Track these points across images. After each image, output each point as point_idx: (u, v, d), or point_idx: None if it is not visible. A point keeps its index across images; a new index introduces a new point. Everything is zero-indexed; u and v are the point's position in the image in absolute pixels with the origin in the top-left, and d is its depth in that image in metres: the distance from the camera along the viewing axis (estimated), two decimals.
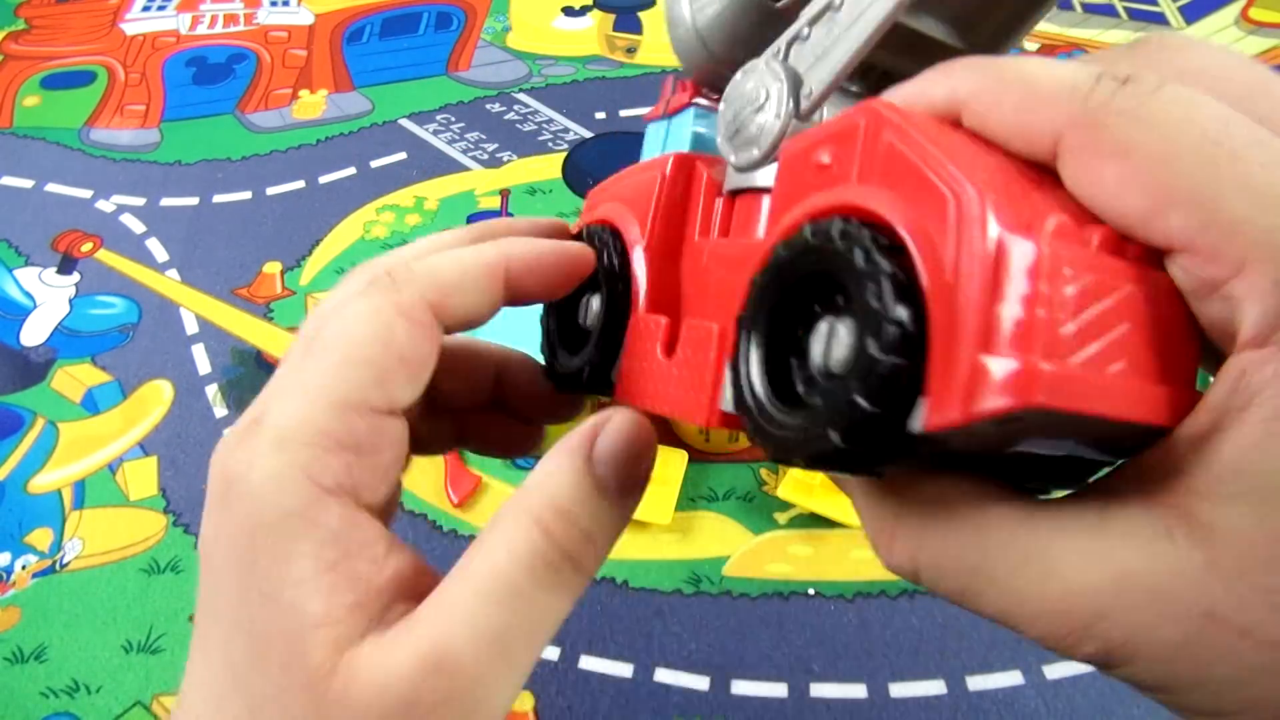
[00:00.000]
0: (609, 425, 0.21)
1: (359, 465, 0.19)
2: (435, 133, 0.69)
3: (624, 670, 0.43)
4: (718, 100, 0.23)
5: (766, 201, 0.21)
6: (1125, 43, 0.17)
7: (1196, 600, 0.13)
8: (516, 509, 0.20)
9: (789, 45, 0.21)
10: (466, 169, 0.66)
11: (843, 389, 0.15)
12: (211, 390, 0.55)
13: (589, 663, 0.43)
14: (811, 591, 0.45)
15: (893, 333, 0.14)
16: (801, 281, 0.17)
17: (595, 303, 0.25)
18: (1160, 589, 0.14)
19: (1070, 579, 0.15)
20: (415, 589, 0.19)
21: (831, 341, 0.16)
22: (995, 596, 0.16)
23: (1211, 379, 0.14)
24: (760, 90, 0.21)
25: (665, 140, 0.27)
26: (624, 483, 0.20)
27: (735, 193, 0.23)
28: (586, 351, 0.25)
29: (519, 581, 0.19)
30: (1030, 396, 0.13)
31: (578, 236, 0.26)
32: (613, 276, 0.24)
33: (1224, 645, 0.13)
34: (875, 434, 0.15)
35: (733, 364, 0.19)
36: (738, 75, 0.22)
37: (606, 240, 0.24)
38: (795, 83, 0.20)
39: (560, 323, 0.26)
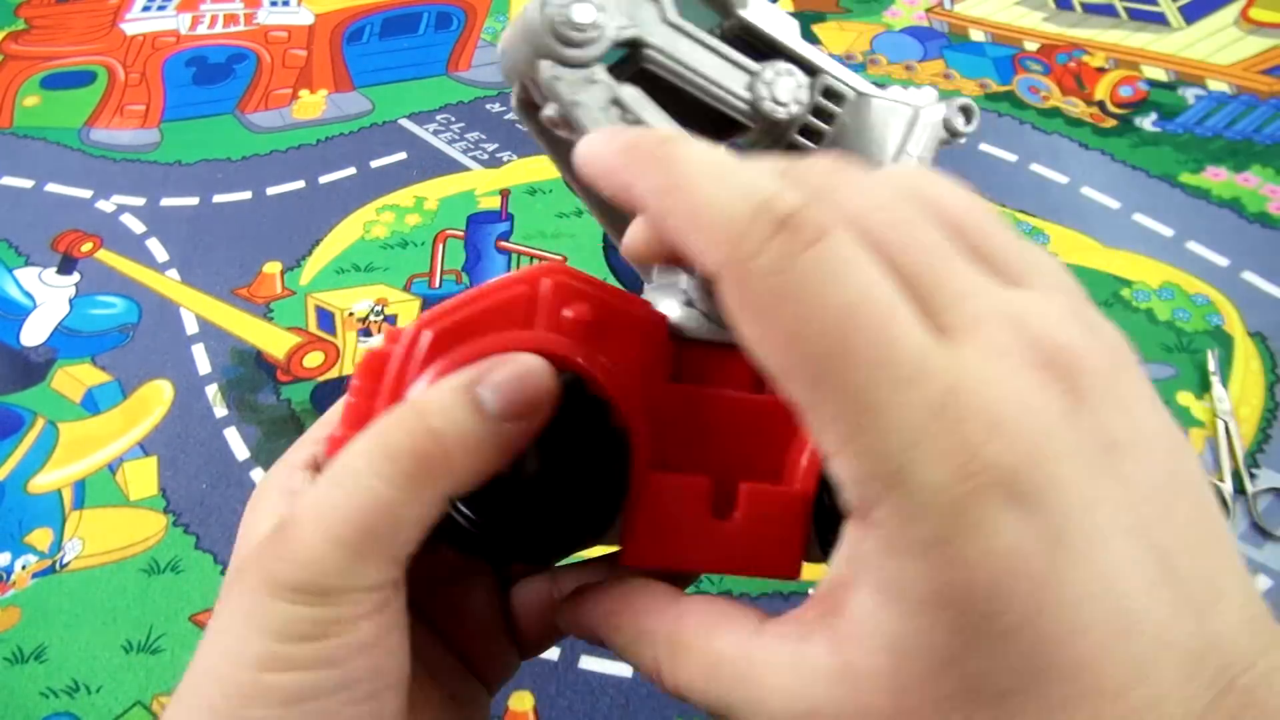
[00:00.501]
0: (506, 362, 0.20)
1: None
2: (435, 133, 0.69)
3: (624, 670, 0.43)
4: None
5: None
6: (824, 157, 0.18)
7: None
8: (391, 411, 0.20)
9: None
10: (466, 169, 0.66)
11: None
12: (211, 390, 0.55)
13: (589, 663, 0.43)
14: (811, 591, 0.45)
15: None
16: None
17: (536, 456, 0.21)
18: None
19: (778, 712, 0.17)
20: None
21: None
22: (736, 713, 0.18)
23: None
24: None
25: None
26: (502, 406, 0.20)
27: (705, 342, 0.23)
28: (555, 516, 0.22)
29: (360, 466, 0.19)
30: None
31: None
32: (603, 431, 0.22)
33: None
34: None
35: (817, 522, 0.22)
36: None
37: (587, 393, 0.21)
38: None
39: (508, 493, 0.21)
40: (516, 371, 0.20)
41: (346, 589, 0.19)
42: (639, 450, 0.22)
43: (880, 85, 0.27)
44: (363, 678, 0.19)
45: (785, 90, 0.25)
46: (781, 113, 0.25)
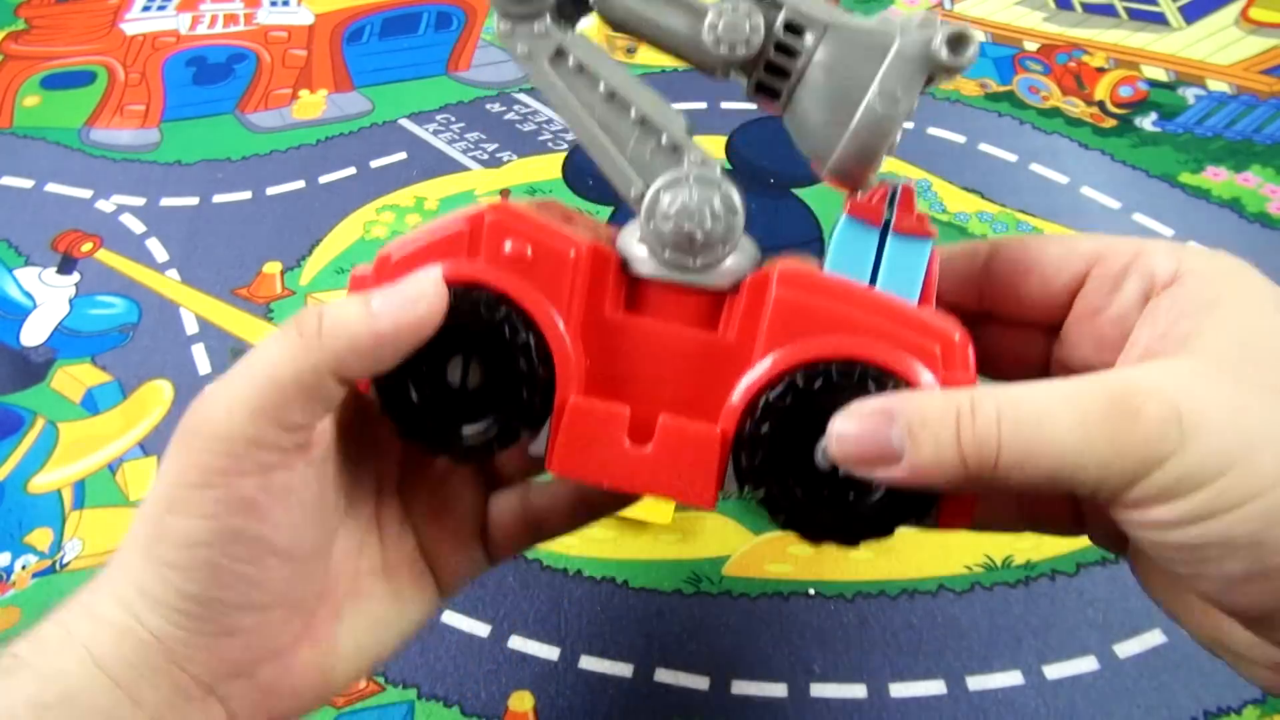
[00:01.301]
0: (407, 280, 0.25)
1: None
2: (435, 133, 0.69)
3: (624, 670, 0.43)
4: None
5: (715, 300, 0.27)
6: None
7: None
8: None
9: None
10: (466, 169, 0.66)
11: (847, 487, 0.25)
12: None
13: (589, 663, 0.43)
14: (811, 591, 0.45)
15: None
16: (818, 411, 0.24)
17: (478, 368, 0.26)
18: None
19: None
20: None
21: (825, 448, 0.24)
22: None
23: None
24: (705, 208, 0.26)
25: (880, 258, 0.27)
26: (381, 307, 0.24)
27: (654, 279, 0.27)
28: (485, 423, 0.26)
29: (266, 345, 0.25)
30: None
31: (465, 305, 0.25)
32: (527, 352, 0.25)
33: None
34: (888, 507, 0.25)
35: (742, 464, 0.26)
36: (660, 188, 0.26)
37: (504, 314, 0.25)
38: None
39: (412, 375, 0.26)
40: (404, 287, 0.24)
41: (234, 439, 0.23)
42: (563, 372, 0.26)
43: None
44: (244, 537, 0.23)
45: (733, 29, 0.24)
46: (728, 52, 0.24)
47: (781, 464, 0.25)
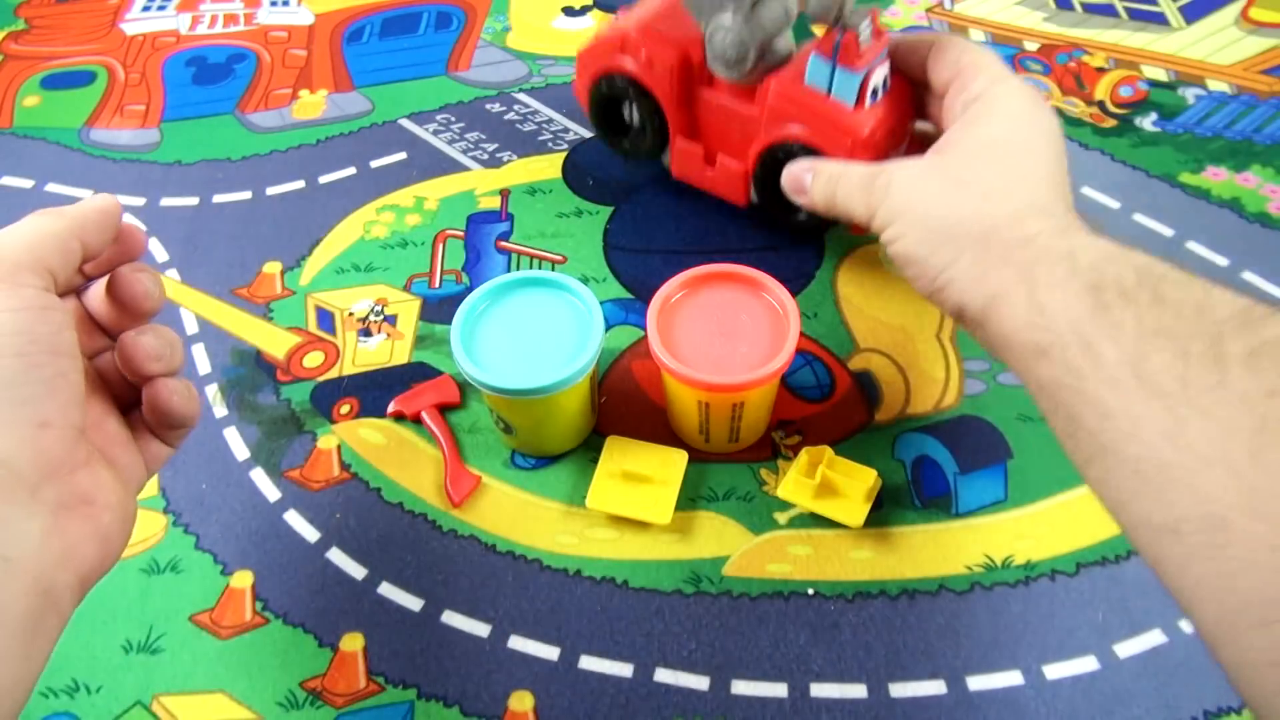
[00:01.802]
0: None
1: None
2: (435, 133, 0.69)
3: (624, 670, 0.43)
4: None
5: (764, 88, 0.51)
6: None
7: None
8: None
9: None
10: (466, 169, 0.66)
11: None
12: (211, 390, 0.55)
13: (589, 663, 0.43)
14: (811, 591, 0.45)
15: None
16: (784, 162, 0.50)
17: (636, 117, 0.58)
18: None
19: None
20: None
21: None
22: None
23: None
24: (727, 49, 0.51)
25: (832, 79, 0.48)
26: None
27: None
28: (643, 141, 0.59)
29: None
30: None
31: (607, 78, 0.56)
32: (650, 113, 0.56)
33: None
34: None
35: (753, 184, 0.55)
36: (710, 31, 0.51)
37: (632, 86, 0.55)
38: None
39: (609, 119, 0.59)
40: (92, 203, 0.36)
41: (19, 261, 0.32)
42: (670, 119, 0.56)
43: None
44: (43, 332, 0.30)
45: None
46: None
47: (768, 186, 0.53)
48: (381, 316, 0.58)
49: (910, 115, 0.51)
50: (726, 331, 0.45)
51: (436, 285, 0.59)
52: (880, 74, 0.48)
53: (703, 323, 0.46)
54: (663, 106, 0.55)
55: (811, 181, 0.45)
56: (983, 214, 0.36)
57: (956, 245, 0.36)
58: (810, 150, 0.49)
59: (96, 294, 0.36)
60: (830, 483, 0.46)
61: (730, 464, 0.50)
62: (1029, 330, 0.33)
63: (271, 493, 0.50)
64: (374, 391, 0.54)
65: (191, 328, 0.58)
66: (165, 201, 0.66)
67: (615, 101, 0.57)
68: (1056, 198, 0.38)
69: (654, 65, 0.53)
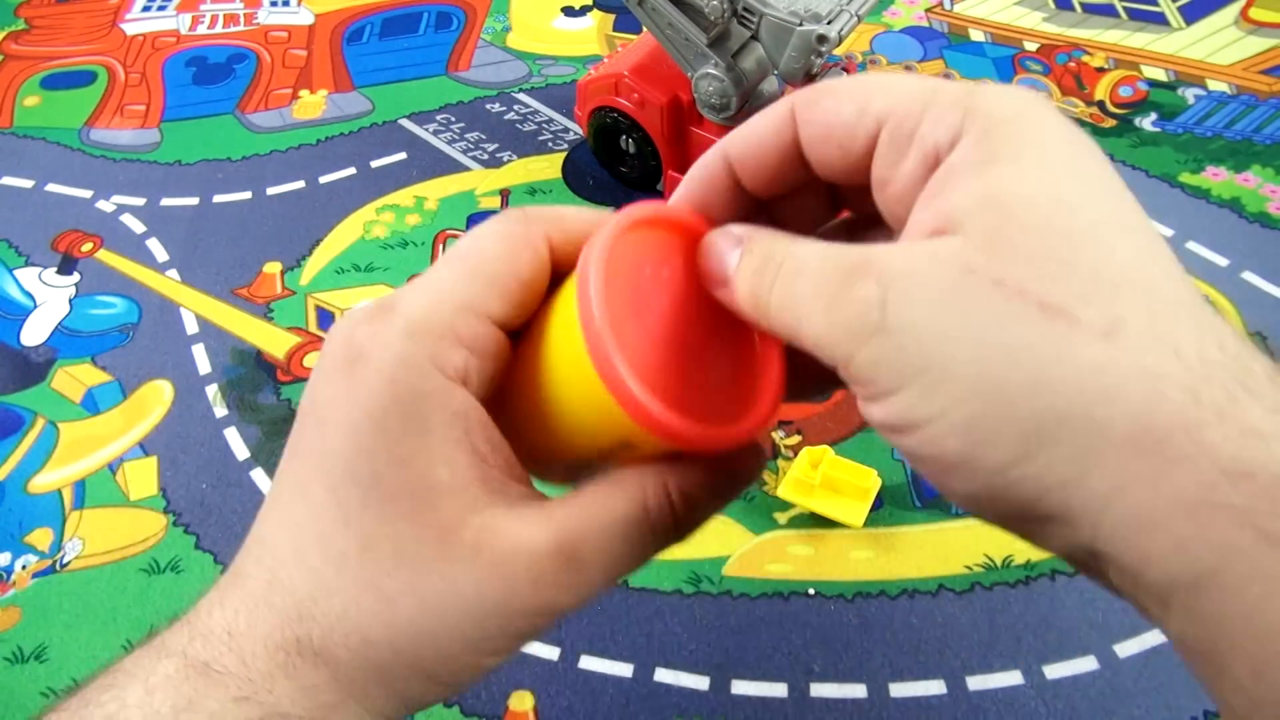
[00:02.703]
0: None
1: (472, 362, 0.22)
2: (435, 133, 0.69)
3: (624, 670, 0.43)
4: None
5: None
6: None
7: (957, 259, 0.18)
8: (657, 475, 0.22)
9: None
10: (466, 169, 0.66)
11: None
12: (211, 390, 0.55)
13: (589, 663, 0.43)
14: (811, 591, 0.45)
15: None
16: None
17: (632, 146, 0.61)
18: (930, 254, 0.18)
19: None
20: (522, 475, 0.23)
21: None
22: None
23: None
24: (711, 97, 0.56)
25: None
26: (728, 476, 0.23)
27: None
28: (637, 169, 0.62)
29: (639, 533, 0.22)
30: None
31: (604, 109, 0.60)
32: (638, 138, 0.60)
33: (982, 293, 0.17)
34: None
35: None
36: (696, 78, 0.55)
37: (626, 121, 0.60)
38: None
39: (608, 147, 0.63)
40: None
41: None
42: (663, 154, 0.60)
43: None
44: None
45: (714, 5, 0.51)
46: (712, 13, 0.51)
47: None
48: None
49: None
50: (693, 334, 0.23)
51: None
52: None
53: (660, 308, 0.23)
54: (656, 143, 0.59)
55: (738, 265, 0.22)
56: (1111, 378, 0.16)
57: (1065, 444, 0.17)
58: None
59: None
60: (830, 483, 0.46)
61: None
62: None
63: None
64: None
65: (191, 328, 0.58)
66: (165, 201, 0.66)
67: (613, 132, 0.61)
68: (1195, 314, 0.19)
69: (645, 105, 0.58)
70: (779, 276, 0.20)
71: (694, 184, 0.24)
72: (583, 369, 0.21)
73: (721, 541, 0.47)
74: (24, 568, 0.48)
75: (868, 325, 0.18)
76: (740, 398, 0.23)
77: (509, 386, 0.23)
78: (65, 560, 0.48)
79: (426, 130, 0.70)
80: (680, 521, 0.23)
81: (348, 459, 0.21)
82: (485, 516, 0.21)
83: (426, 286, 0.22)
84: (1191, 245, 0.59)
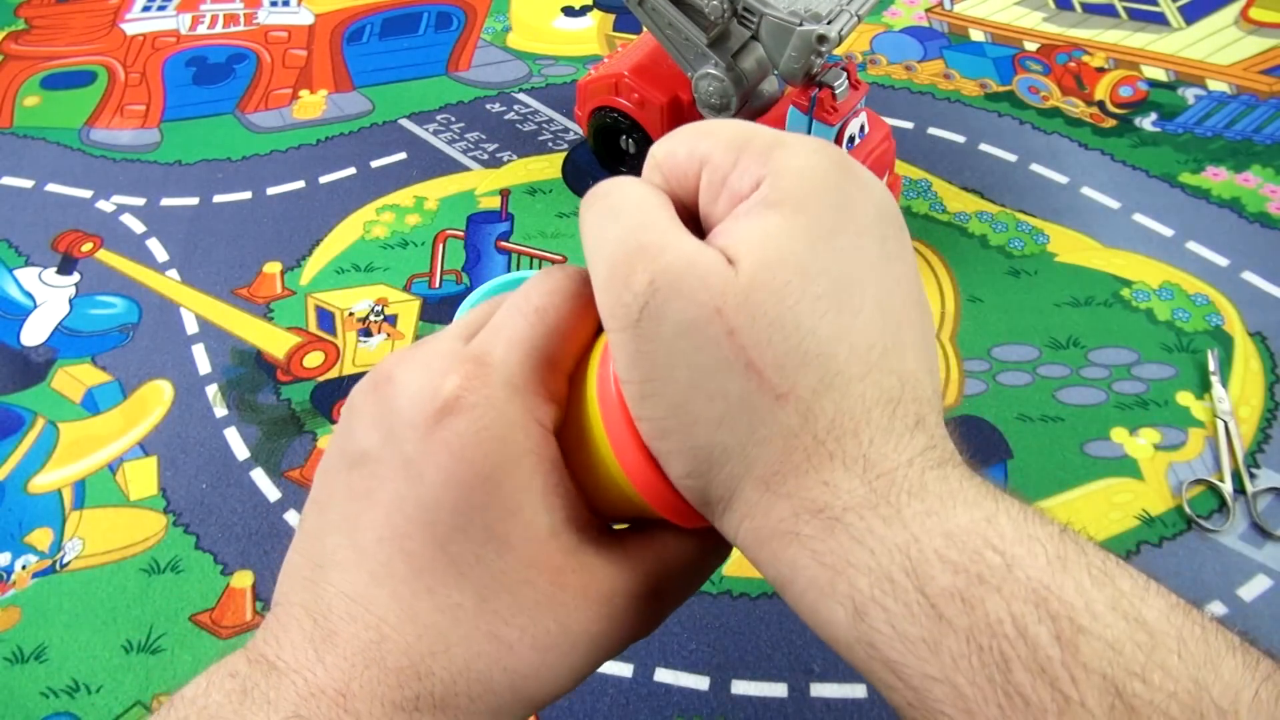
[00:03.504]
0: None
1: (556, 414, 0.24)
2: (435, 133, 0.69)
3: (624, 670, 0.43)
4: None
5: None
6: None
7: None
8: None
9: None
10: (466, 169, 0.66)
11: None
12: (211, 390, 0.55)
13: None
14: None
15: None
16: None
17: (633, 146, 0.61)
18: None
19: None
20: (591, 513, 0.24)
21: None
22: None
23: None
24: (710, 96, 0.56)
25: (810, 131, 0.51)
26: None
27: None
28: (637, 170, 0.54)
29: (701, 574, 0.26)
30: None
31: (604, 109, 0.60)
32: (638, 136, 0.60)
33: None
34: None
35: None
36: (697, 78, 0.55)
37: (626, 121, 0.60)
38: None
39: (608, 147, 0.62)
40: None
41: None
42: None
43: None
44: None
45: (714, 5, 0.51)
46: (712, 13, 0.51)
47: None
48: (382, 317, 0.58)
49: (891, 155, 0.56)
50: None
51: (437, 285, 0.59)
52: (857, 122, 0.53)
53: None
54: (651, 135, 0.59)
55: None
56: (766, 430, 0.20)
57: (722, 467, 0.21)
58: None
59: None
60: None
61: None
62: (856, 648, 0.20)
63: (272, 493, 0.50)
64: None
65: (191, 328, 0.58)
66: (165, 201, 0.66)
67: (613, 132, 0.61)
68: (918, 363, 0.21)
69: (645, 105, 0.58)
70: (598, 212, 0.23)
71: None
72: (605, 442, 0.23)
73: None
74: (24, 568, 0.48)
75: (628, 317, 0.21)
76: None
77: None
78: (65, 560, 0.48)
79: (426, 130, 0.70)
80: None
81: (456, 512, 0.22)
82: (581, 558, 0.23)
83: (518, 340, 0.23)
84: (1191, 245, 0.59)
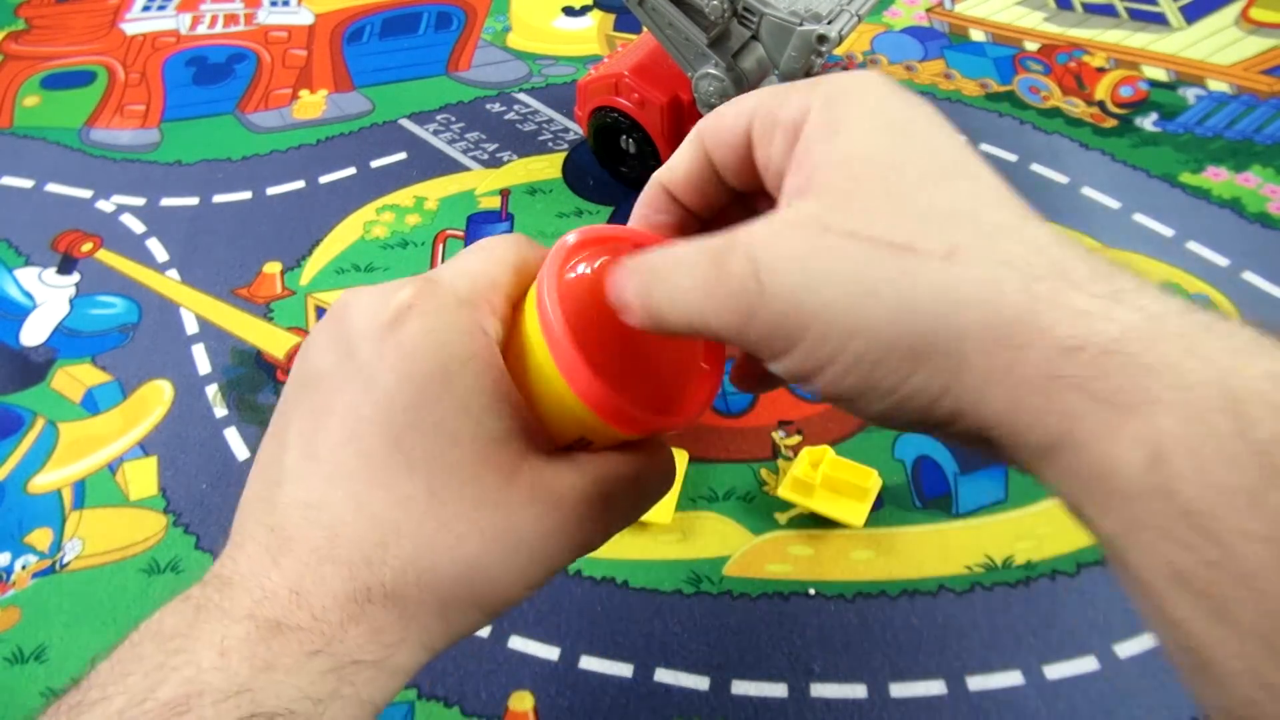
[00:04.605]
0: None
1: (500, 331, 0.25)
2: (435, 133, 0.69)
3: (624, 670, 0.43)
4: None
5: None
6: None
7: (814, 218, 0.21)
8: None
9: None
10: (466, 169, 0.66)
11: None
12: (211, 390, 0.55)
13: (589, 663, 0.43)
14: (811, 591, 0.45)
15: None
16: None
17: (633, 146, 0.61)
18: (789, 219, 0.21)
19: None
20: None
21: None
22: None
23: None
24: (709, 96, 0.55)
25: None
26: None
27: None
28: (637, 169, 0.62)
29: (650, 489, 0.27)
30: None
31: (604, 109, 0.60)
32: (638, 136, 0.60)
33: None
34: None
35: None
36: (697, 78, 0.55)
37: (627, 121, 0.59)
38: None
39: (608, 147, 0.62)
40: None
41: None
42: (663, 154, 0.58)
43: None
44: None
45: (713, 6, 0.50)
46: (712, 13, 0.50)
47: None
48: None
49: None
50: (639, 339, 0.26)
51: None
52: None
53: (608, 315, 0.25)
54: (656, 143, 0.59)
55: (629, 289, 0.23)
56: (958, 291, 0.19)
57: (938, 356, 0.19)
58: None
59: None
60: (830, 483, 0.46)
61: (730, 464, 0.50)
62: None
63: None
64: None
65: (191, 328, 0.58)
66: (165, 201, 0.66)
67: (614, 131, 0.60)
68: (1027, 220, 0.21)
69: (645, 105, 0.58)
70: (661, 280, 0.22)
71: (641, 208, 0.27)
72: (548, 359, 0.24)
73: (721, 542, 0.47)
74: (24, 568, 0.48)
75: (749, 295, 0.20)
76: (679, 395, 0.27)
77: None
78: (65, 560, 0.48)
79: (426, 130, 0.70)
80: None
81: (410, 409, 0.23)
82: (531, 463, 0.24)
83: (463, 269, 0.25)
84: (1191, 245, 0.59)
